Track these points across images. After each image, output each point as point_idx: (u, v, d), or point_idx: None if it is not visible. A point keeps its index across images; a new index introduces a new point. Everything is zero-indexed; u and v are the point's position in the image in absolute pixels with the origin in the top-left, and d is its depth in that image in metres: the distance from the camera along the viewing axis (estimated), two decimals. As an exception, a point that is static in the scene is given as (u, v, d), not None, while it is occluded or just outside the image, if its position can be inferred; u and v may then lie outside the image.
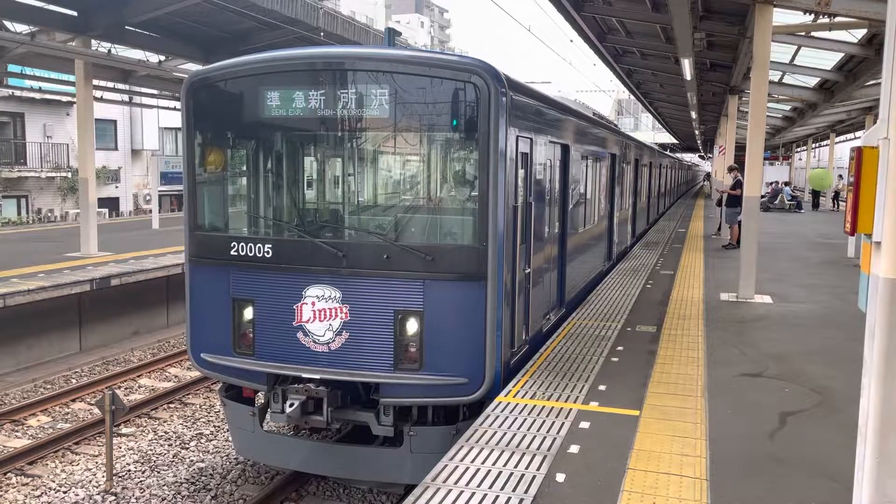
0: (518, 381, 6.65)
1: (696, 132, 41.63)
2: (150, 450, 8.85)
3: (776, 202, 33.04)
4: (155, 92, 22.35)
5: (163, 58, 17.52)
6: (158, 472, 8.22)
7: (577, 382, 6.60)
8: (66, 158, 30.75)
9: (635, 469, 4.82)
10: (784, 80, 20.77)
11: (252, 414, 7.13)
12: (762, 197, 22.93)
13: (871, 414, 3.08)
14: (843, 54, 15.68)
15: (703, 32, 14.13)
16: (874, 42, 13.63)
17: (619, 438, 5.34)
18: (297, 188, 7.32)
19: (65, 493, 7.75)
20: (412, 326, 6.34)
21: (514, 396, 6.22)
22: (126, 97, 25.83)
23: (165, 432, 9.44)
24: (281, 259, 6.67)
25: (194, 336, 7.16)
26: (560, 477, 4.67)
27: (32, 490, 7.81)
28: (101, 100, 20.34)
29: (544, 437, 5.31)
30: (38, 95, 27.88)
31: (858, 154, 3.07)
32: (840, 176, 36.41)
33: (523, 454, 5.01)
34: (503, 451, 5.07)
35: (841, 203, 33.48)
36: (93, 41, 15.49)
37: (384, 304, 6.37)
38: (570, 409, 5.91)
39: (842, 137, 39.27)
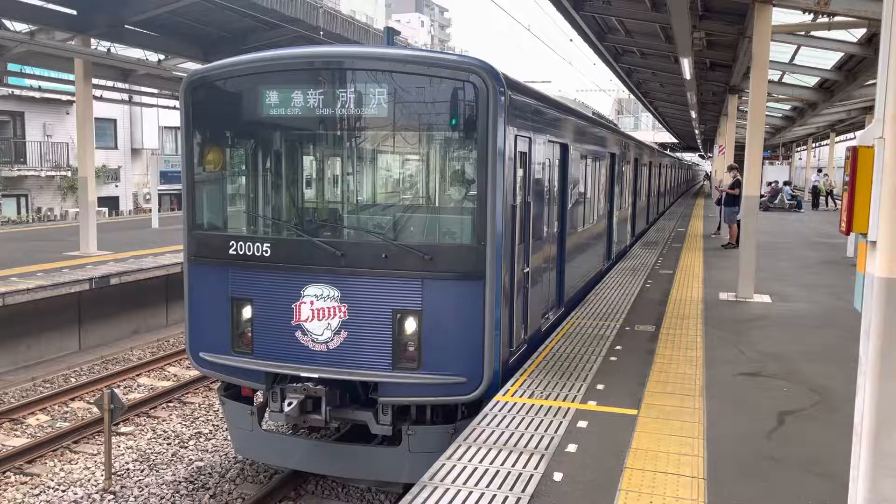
0: (516, 380, 6.65)
1: (696, 131, 41.65)
2: (149, 448, 8.86)
3: (776, 201, 33.05)
4: (154, 91, 22.37)
5: (162, 57, 17.54)
6: (157, 471, 8.23)
7: (575, 382, 6.61)
8: (66, 157, 30.77)
9: (633, 468, 4.83)
10: (784, 80, 20.78)
11: (251, 413, 7.13)
12: (761, 196, 22.95)
13: (867, 413, 3.08)
14: (842, 54, 15.69)
15: (702, 32, 14.15)
16: (873, 42, 13.62)
17: (616, 437, 5.34)
18: (295, 187, 7.33)
19: (63, 491, 7.75)
20: (411, 326, 6.34)
21: (513, 396, 6.22)
22: (126, 96, 25.84)
23: (164, 431, 9.44)
24: (279, 258, 6.67)
25: (193, 335, 7.17)
26: (558, 476, 4.68)
27: (31, 489, 7.82)
28: (100, 99, 20.34)
29: (542, 437, 5.32)
30: (37, 94, 27.90)
31: (854, 154, 3.07)
32: (826, 174, 36.67)
33: (521, 453, 5.02)
34: (501, 450, 5.07)
35: (837, 201, 33.64)
36: (92, 40, 15.49)
37: (383, 304, 6.37)
38: (569, 409, 5.91)
39: (842, 137, 39.29)
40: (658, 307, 10.04)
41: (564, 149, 9.19)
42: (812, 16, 11.62)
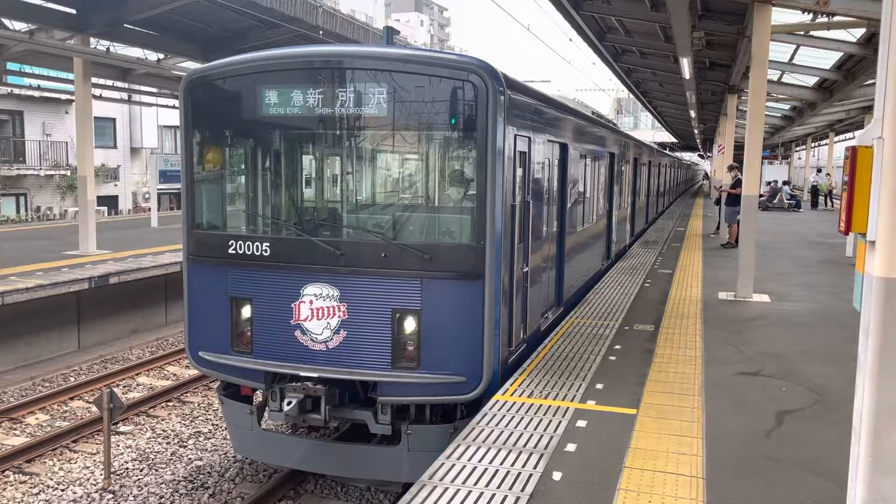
0: (515, 379, 6.65)
1: (696, 131, 41.65)
2: (148, 448, 8.86)
3: (775, 201, 33.07)
4: (154, 90, 22.37)
5: (161, 56, 17.53)
6: (156, 471, 8.23)
7: (574, 381, 6.61)
8: (66, 156, 30.74)
9: (632, 467, 4.83)
10: (783, 80, 20.76)
11: (250, 412, 7.13)
12: (761, 196, 22.96)
13: (865, 413, 3.08)
14: (841, 54, 15.69)
15: (701, 31, 14.13)
16: (873, 41, 13.62)
17: (615, 437, 5.35)
18: (295, 187, 7.33)
19: (63, 491, 7.76)
20: (410, 325, 6.35)
21: (512, 395, 6.22)
22: (125, 95, 25.82)
23: (163, 430, 9.44)
24: (279, 257, 6.67)
25: (192, 334, 7.17)
26: (557, 475, 4.68)
27: (30, 488, 7.82)
28: (100, 98, 20.33)
29: (541, 436, 5.32)
30: (37, 93, 27.88)
31: (853, 153, 3.07)
32: (828, 174, 36.71)
33: (520, 452, 5.02)
34: (500, 450, 5.07)
35: (835, 201, 33.72)
36: (91, 39, 15.48)
37: (382, 303, 6.37)
38: (568, 408, 5.92)
39: (841, 137, 39.30)
40: (657, 306, 10.05)
41: (564, 148, 9.19)
42: (811, 16, 11.62)
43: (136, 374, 11.81)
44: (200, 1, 13.60)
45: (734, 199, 16.60)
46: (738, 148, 19.67)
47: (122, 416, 9.16)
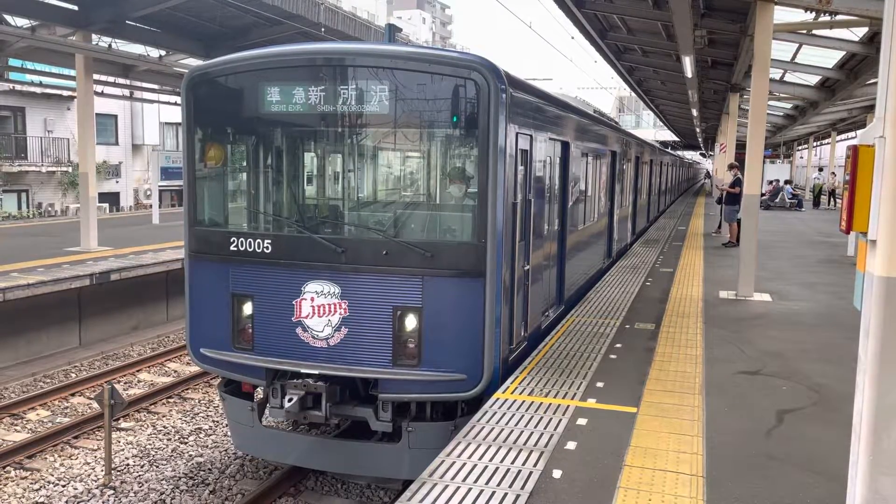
0: (516, 377, 6.66)
1: (698, 130, 41.63)
2: (149, 444, 8.88)
3: (776, 200, 33.04)
4: (156, 87, 22.36)
5: (163, 53, 17.54)
6: (157, 467, 8.24)
7: (574, 379, 6.62)
8: (67, 153, 30.76)
9: (632, 466, 4.84)
10: (785, 79, 20.76)
11: (251, 409, 7.15)
12: (762, 195, 22.95)
13: (865, 412, 3.09)
14: (844, 52, 15.68)
15: (704, 30, 14.12)
16: (875, 40, 13.61)
17: (616, 435, 5.35)
18: (296, 184, 7.33)
19: (63, 486, 7.77)
20: (411, 322, 6.35)
21: (512, 393, 6.23)
22: (127, 92, 25.80)
23: (164, 427, 9.46)
24: (280, 254, 6.68)
25: (193, 331, 7.18)
26: (557, 473, 4.69)
27: (31, 484, 7.83)
28: (101, 94, 20.34)
29: (541, 434, 5.33)
30: (38, 90, 27.87)
31: (854, 152, 3.07)
32: (833, 173, 36.69)
33: (520, 450, 5.03)
34: (500, 448, 5.08)
35: (837, 200, 33.67)
36: (93, 36, 15.50)
37: (383, 300, 6.38)
38: (568, 406, 5.92)
39: (843, 136, 39.24)
40: (658, 305, 10.05)
41: (565, 146, 9.19)
42: (814, 14, 11.63)
43: (137, 371, 11.83)
44: (202, -2, 13.61)
45: (734, 198, 16.60)
46: (740, 146, 19.64)
47: (122, 412, 9.17)
